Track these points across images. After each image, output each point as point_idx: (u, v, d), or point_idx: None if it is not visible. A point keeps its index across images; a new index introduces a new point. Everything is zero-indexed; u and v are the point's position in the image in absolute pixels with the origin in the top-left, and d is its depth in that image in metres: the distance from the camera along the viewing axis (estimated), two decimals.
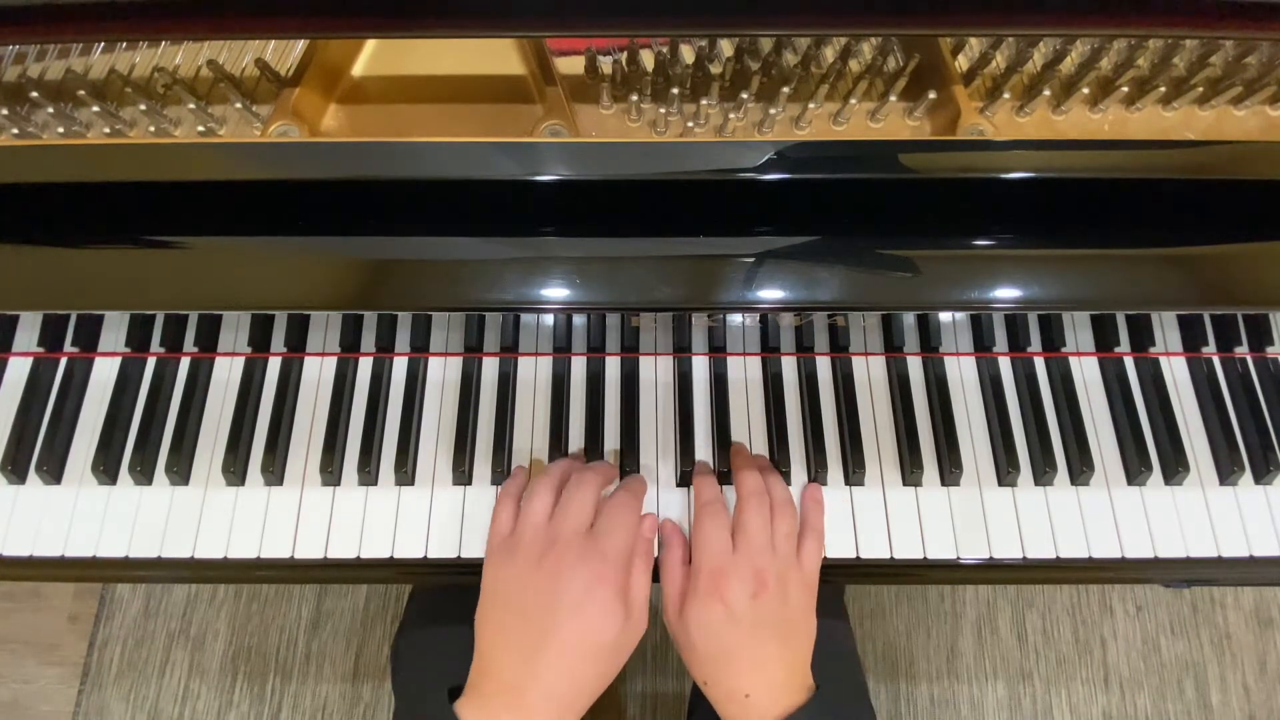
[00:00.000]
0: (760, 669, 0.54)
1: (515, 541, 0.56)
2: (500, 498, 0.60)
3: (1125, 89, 0.59)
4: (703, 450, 0.66)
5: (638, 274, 0.56)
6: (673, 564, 0.59)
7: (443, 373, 0.68)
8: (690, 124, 0.60)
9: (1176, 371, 0.69)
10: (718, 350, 0.69)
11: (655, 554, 0.61)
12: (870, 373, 0.68)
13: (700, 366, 0.68)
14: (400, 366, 0.68)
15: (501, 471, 0.64)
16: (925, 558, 0.62)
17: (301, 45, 0.61)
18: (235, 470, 0.64)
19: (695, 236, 0.56)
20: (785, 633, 0.56)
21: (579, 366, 0.68)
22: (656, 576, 0.60)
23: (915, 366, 0.68)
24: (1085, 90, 0.60)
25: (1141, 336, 0.69)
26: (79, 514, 0.63)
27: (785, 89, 0.58)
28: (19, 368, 0.68)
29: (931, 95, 0.59)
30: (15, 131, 0.58)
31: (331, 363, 0.68)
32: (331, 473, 0.64)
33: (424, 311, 0.66)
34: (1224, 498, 0.65)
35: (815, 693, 0.55)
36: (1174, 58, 0.61)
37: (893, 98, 0.60)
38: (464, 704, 0.53)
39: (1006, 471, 0.64)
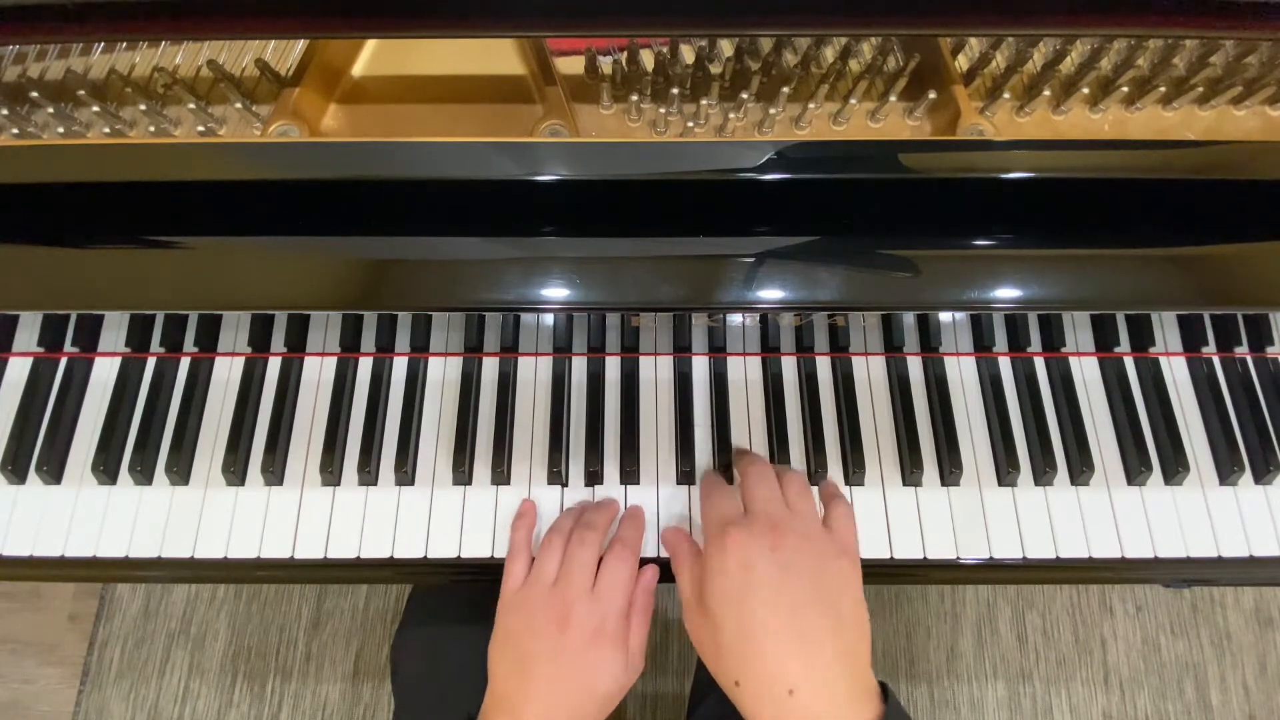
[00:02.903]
0: (805, 651, 0.45)
1: (525, 596, 0.57)
2: (512, 551, 0.60)
3: (1125, 89, 0.59)
4: (703, 449, 0.66)
5: (638, 274, 0.56)
6: (684, 558, 0.56)
7: (443, 373, 0.68)
8: (690, 124, 0.60)
9: (1176, 371, 0.69)
10: (718, 350, 0.69)
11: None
12: (870, 373, 0.68)
13: (700, 366, 0.68)
14: (400, 366, 0.68)
15: (502, 472, 0.64)
16: (925, 558, 0.62)
17: (301, 45, 0.61)
18: (235, 470, 0.64)
19: (695, 236, 0.56)
20: (829, 603, 0.48)
21: (579, 366, 0.68)
22: (664, 577, 0.60)
23: (915, 366, 0.68)
24: (1085, 90, 0.60)
25: (1141, 336, 0.69)
26: (79, 514, 0.63)
27: (785, 89, 0.58)
28: (19, 368, 0.68)
29: (931, 95, 0.59)
30: (15, 131, 0.58)
31: (331, 363, 0.68)
32: (331, 473, 0.64)
33: (424, 311, 0.66)
34: (1224, 498, 0.65)
35: (887, 706, 0.45)
36: (1174, 58, 0.61)
37: (893, 98, 0.60)
38: None
39: (1006, 471, 0.64)
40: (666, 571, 0.60)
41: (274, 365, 0.68)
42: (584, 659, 0.54)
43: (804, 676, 0.45)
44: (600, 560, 0.58)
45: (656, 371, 0.68)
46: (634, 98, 0.59)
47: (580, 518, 0.60)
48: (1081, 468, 0.64)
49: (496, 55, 0.63)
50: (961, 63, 0.61)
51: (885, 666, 1.29)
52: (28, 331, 0.68)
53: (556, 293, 0.56)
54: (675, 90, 0.58)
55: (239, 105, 0.59)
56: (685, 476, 0.64)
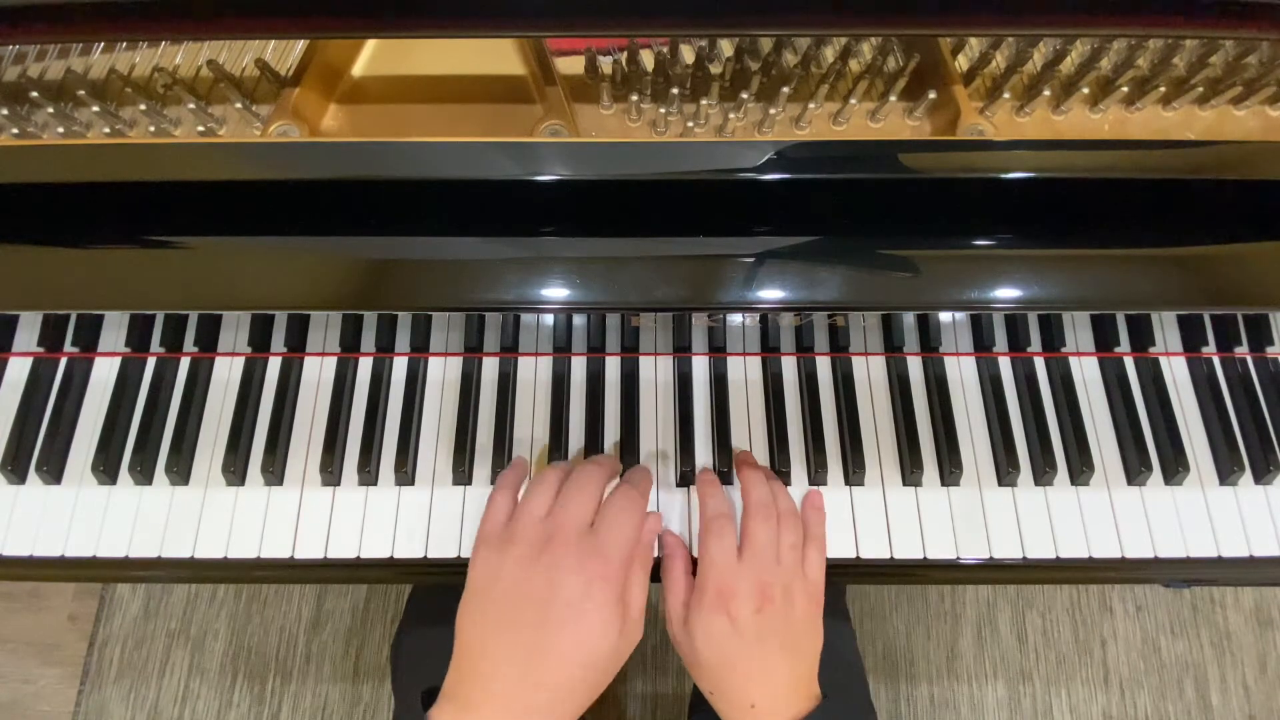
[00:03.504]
0: (767, 679, 0.54)
1: (510, 534, 0.52)
2: (497, 487, 0.57)
3: (1125, 89, 0.59)
4: (703, 450, 0.66)
5: (638, 274, 0.56)
6: (676, 575, 0.58)
7: (443, 373, 0.68)
8: (690, 124, 0.60)
9: (1176, 371, 0.69)
10: (718, 350, 0.69)
11: (655, 555, 0.60)
12: (870, 373, 0.68)
13: (700, 366, 0.68)
14: (400, 366, 0.68)
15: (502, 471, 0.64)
16: (925, 558, 0.62)
17: (301, 45, 0.61)
18: (235, 470, 0.64)
19: (695, 236, 0.56)
20: (791, 644, 0.56)
21: (579, 366, 0.68)
22: (656, 576, 0.60)
23: (915, 366, 0.68)
24: (1085, 90, 0.60)
25: (1141, 336, 0.69)
26: (79, 514, 0.63)
27: (785, 89, 0.58)
28: (19, 368, 0.68)
29: (931, 95, 0.59)
30: (15, 131, 0.58)
31: (331, 363, 0.68)
32: (331, 473, 0.64)
33: (424, 311, 0.66)
34: (1224, 498, 0.65)
35: (821, 703, 0.55)
36: (1174, 58, 0.61)
37: (893, 98, 0.60)
38: (442, 712, 0.49)
39: (1006, 471, 0.64)
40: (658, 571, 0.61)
41: (274, 365, 0.68)
42: (578, 608, 0.49)
43: (763, 695, 0.54)
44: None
45: (656, 371, 0.68)
46: (634, 98, 0.59)
47: (582, 460, 0.59)
48: (1081, 468, 0.64)
49: (496, 55, 0.63)
50: (961, 63, 0.61)
51: (885, 667, 1.29)
52: (28, 331, 0.68)
53: (556, 293, 0.56)
54: (675, 90, 0.58)
55: (239, 105, 0.59)
56: (685, 478, 0.64)
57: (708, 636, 0.54)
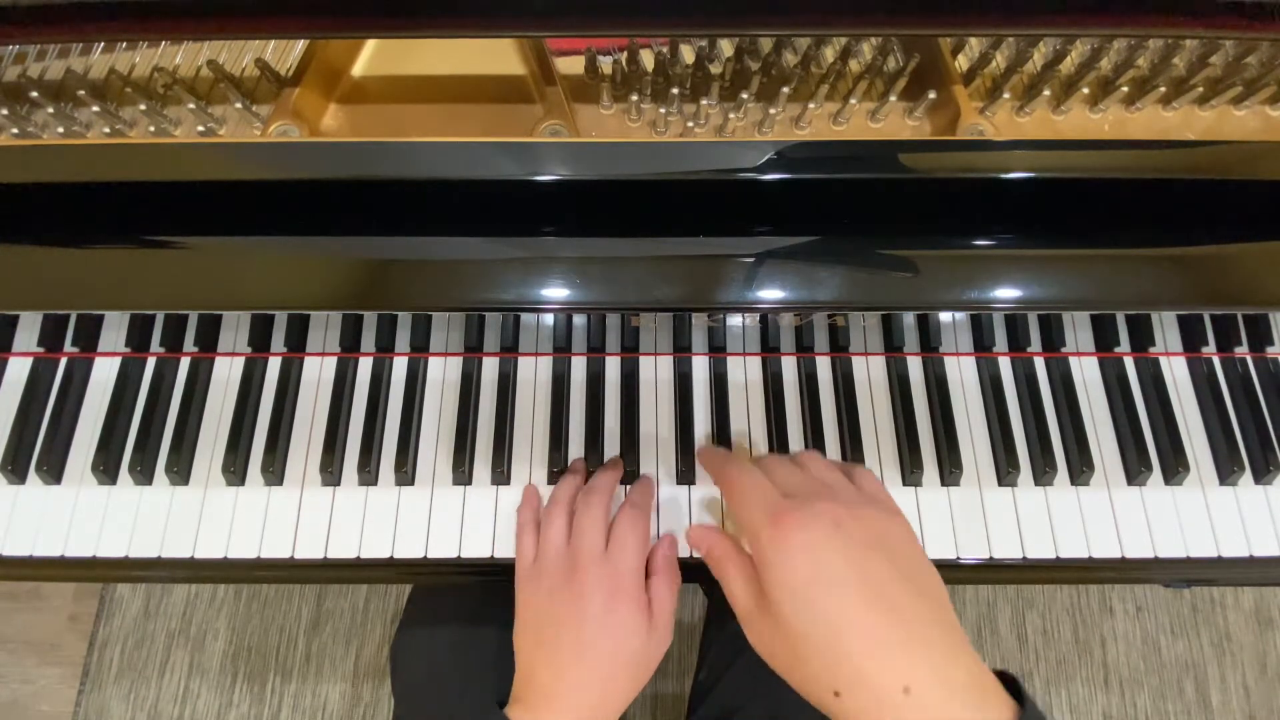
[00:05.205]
0: (907, 638, 0.39)
1: (539, 569, 0.58)
2: (519, 529, 0.61)
3: (1125, 89, 0.59)
4: None
5: (638, 274, 0.56)
6: (729, 562, 0.49)
7: (443, 373, 0.68)
8: (690, 124, 0.60)
9: (1176, 371, 0.69)
10: (718, 350, 0.69)
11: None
12: (870, 373, 0.68)
13: (700, 366, 0.68)
14: (400, 366, 0.68)
15: (502, 472, 0.64)
16: None
17: (301, 45, 0.61)
18: (235, 470, 0.64)
19: (695, 236, 0.56)
20: (906, 574, 0.41)
21: (579, 366, 0.68)
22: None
23: (915, 366, 0.68)
24: (1085, 90, 0.60)
25: (1141, 336, 0.69)
26: (79, 514, 0.63)
27: (785, 89, 0.58)
28: (19, 368, 0.68)
29: (931, 95, 0.59)
30: (15, 131, 0.58)
31: (331, 363, 0.68)
32: (331, 473, 0.64)
33: (424, 311, 0.66)
34: (1224, 498, 0.65)
35: (1025, 709, 0.37)
36: (1174, 58, 0.61)
37: (893, 98, 0.60)
38: (512, 711, 0.54)
39: (1006, 471, 0.64)
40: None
41: (274, 365, 0.68)
42: (605, 622, 0.54)
43: (916, 668, 0.38)
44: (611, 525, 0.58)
45: (656, 371, 0.68)
46: (634, 98, 0.59)
47: (586, 484, 0.61)
48: (1081, 468, 0.64)
49: (496, 55, 0.63)
50: (961, 63, 0.61)
51: None
52: (28, 331, 0.68)
53: (556, 293, 0.56)
54: (675, 90, 0.58)
55: (239, 105, 0.59)
56: (685, 476, 0.64)
57: (793, 593, 0.41)
